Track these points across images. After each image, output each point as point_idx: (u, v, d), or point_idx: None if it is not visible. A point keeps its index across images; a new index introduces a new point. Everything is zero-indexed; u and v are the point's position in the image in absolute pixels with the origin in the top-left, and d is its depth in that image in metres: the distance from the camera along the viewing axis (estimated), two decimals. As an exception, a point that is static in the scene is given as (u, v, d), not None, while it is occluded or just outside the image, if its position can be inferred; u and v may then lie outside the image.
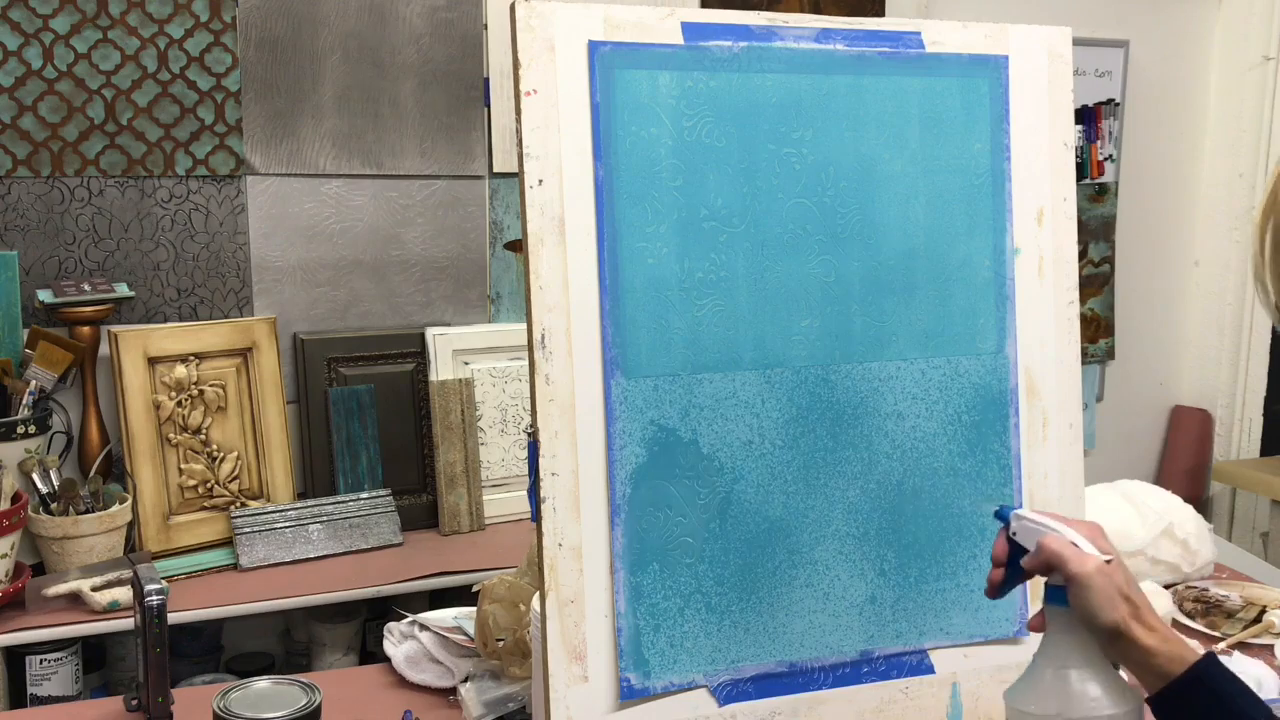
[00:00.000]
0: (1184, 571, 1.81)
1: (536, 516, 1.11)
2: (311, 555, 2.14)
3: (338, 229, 2.35)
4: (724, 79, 1.17)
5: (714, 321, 1.17)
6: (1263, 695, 1.35)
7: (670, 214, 1.15)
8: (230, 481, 2.18)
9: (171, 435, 2.13)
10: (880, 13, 2.75)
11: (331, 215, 2.34)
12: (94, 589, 1.86)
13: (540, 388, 1.10)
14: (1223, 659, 1.46)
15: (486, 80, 2.43)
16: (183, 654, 2.13)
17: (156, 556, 2.04)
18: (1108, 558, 0.95)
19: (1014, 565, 1.02)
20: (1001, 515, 1.04)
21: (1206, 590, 1.76)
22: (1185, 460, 3.27)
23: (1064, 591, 0.95)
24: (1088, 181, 3.08)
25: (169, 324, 2.21)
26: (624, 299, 1.13)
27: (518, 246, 2.49)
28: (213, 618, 1.98)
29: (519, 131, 1.09)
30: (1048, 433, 1.32)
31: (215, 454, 2.17)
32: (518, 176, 1.10)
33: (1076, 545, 0.96)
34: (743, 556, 1.18)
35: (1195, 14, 3.13)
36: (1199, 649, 0.95)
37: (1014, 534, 1.02)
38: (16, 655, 1.86)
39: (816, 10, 2.69)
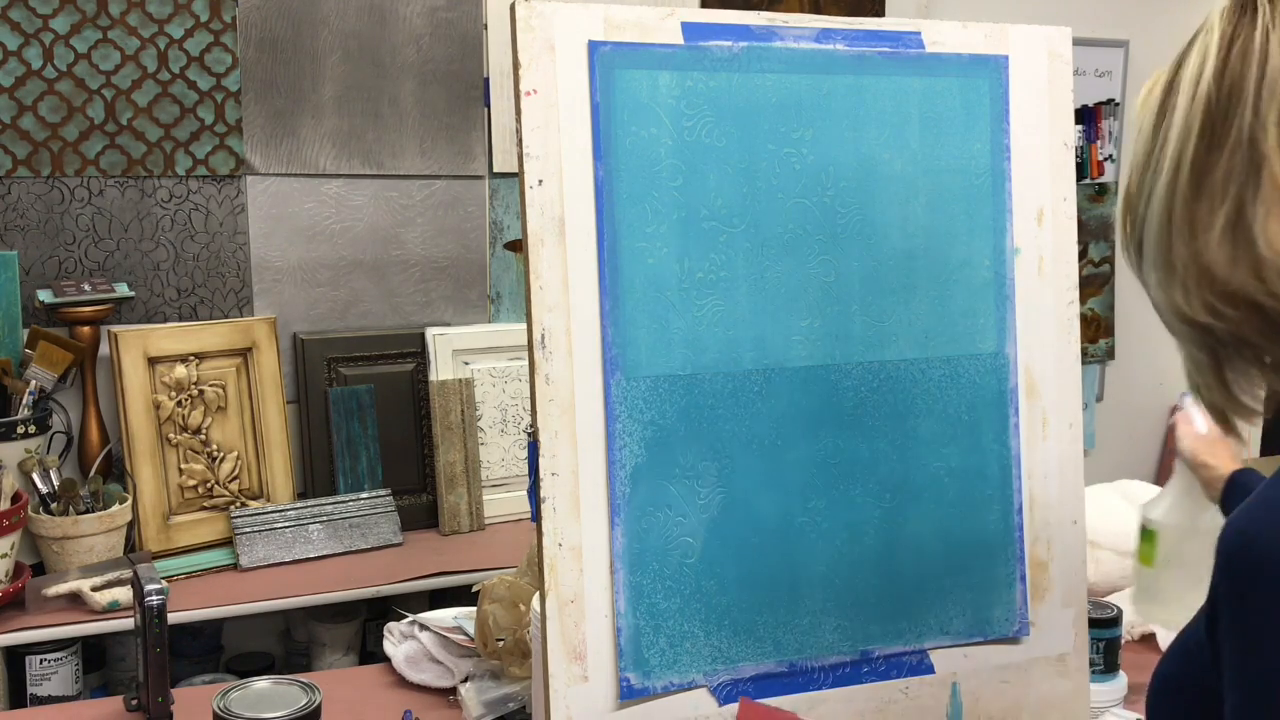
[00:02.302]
0: (1184, 571, 1.81)
1: (536, 516, 1.11)
2: (311, 555, 2.14)
3: (338, 229, 2.35)
4: (724, 79, 1.17)
5: (714, 321, 1.17)
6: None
7: (670, 214, 1.15)
8: (230, 481, 2.18)
9: (171, 435, 2.13)
10: (880, 13, 2.75)
11: (331, 215, 2.34)
12: (94, 589, 1.86)
13: (540, 388, 1.10)
14: None
15: (486, 80, 2.43)
16: (183, 654, 2.13)
17: (156, 556, 2.04)
18: (1207, 435, 1.37)
19: None
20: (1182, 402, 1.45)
21: (1206, 590, 1.76)
22: (1185, 460, 3.26)
23: None
24: (1088, 181, 3.08)
25: (169, 324, 2.21)
26: (624, 299, 1.13)
27: (518, 246, 2.49)
28: (213, 618, 1.98)
29: (519, 131, 1.09)
30: (1048, 433, 1.32)
31: (215, 454, 2.17)
32: (518, 176, 1.10)
33: (1192, 424, 1.40)
34: (742, 556, 1.18)
35: (1195, 14, 3.12)
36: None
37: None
38: (16, 655, 1.86)
39: (816, 10, 2.69)
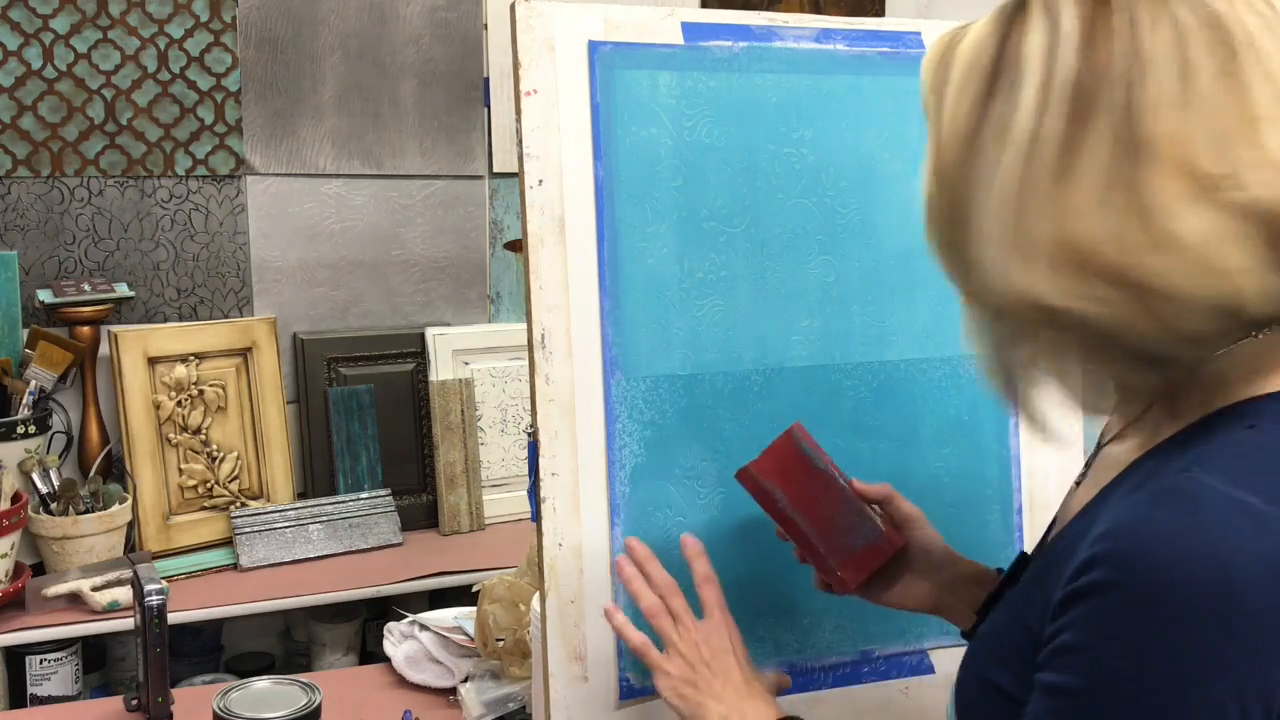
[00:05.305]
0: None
1: (536, 516, 1.11)
2: (311, 555, 2.14)
3: (338, 229, 2.35)
4: (724, 79, 1.17)
5: (714, 321, 1.17)
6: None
7: (670, 214, 1.15)
8: (230, 481, 2.18)
9: (171, 435, 2.13)
10: (880, 13, 2.75)
11: (331, 215, 2.34)
12: (94, 589, 1.86)
13: (540, 388, 1.10)
14: None
15: (486, 80, 2.43)
16: (183, 654, 2.13)
17: (156, 556, 2.04)
18: None
19: None
20: None
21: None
22: (1185, 460, 3.26)
23: None
24: (1088, 181, 3.07)
25: (169, 324, 2.21)
26: (624, 299, 1.13)
27: (518, 246, 2.49)
28: (213, 618, 1.98)
29: (519, 131, 1.09)
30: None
31: (215, 454, 2.17)
32: (518, 176, 1.10)
33: None
34: (742, 557, 1.18)
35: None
36: None
37: None
38: (16, 655, 1.86)
39: (816, 10, 2.69)
